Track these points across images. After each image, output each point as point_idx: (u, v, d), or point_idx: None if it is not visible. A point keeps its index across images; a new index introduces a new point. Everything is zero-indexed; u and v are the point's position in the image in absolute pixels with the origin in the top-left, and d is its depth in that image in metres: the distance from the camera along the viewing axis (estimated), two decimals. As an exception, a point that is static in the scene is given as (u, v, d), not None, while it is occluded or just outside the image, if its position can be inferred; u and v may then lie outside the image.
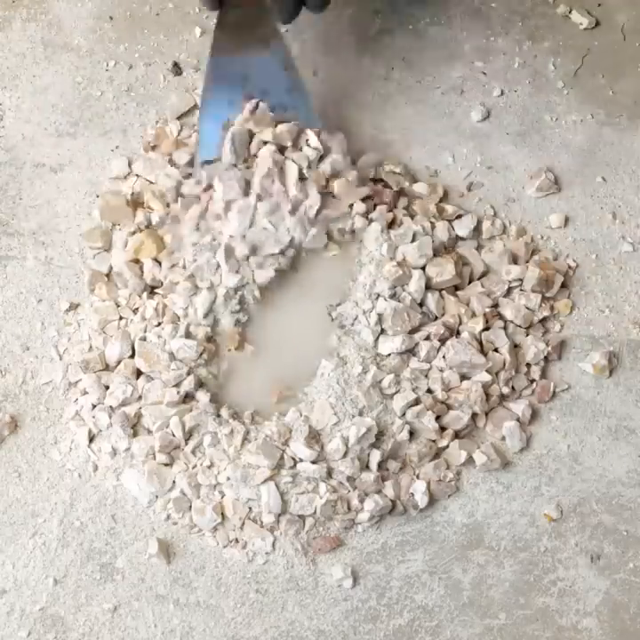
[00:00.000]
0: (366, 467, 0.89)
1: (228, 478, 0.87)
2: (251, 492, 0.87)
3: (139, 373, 0.90)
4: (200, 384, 0.90)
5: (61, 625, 0.85)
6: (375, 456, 0.88)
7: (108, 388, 0.89)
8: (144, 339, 0.89)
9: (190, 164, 0.93)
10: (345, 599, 0.88)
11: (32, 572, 0.86)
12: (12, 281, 0.93)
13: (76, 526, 0.88)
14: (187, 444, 0.88)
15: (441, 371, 0.91)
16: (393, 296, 0.91)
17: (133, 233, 0.93)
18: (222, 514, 0.87)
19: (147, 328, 0.90)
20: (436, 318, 0.93)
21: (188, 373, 0.89)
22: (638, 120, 1.02)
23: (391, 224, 0.94)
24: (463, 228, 0.96)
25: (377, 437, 0.88)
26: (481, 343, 0.92)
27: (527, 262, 0.96)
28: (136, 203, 0.94)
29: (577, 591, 0.89)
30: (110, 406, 0.88)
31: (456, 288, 0.94)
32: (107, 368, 0.90)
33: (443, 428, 0.91)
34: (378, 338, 0.91)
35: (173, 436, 0.88)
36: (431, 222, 0.95)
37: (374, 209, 0.94)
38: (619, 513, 0.91)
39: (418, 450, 0.90)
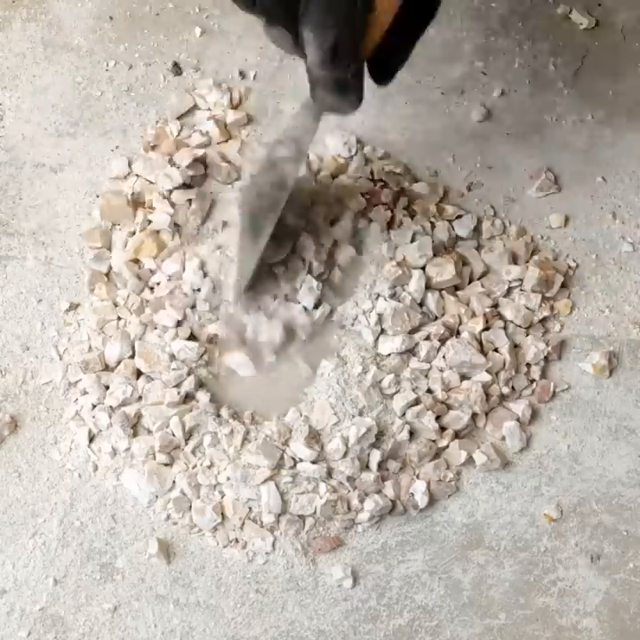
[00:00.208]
0: (366, 467, 0.89)
1: (228, 478, 0.87)
2: (251, 492, 0.87)
3: (139, 374, 0.90)
4: (200, 384, 0.90)
5: (61, 625, 0.85)
6: (375, 456, 0.88)
7: (108, 388, 0.89)
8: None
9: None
10: (345, 599, 0.88)
11: (32, 571, 0.86)
12: (11, 281, 0.93)
13: (76, 526, 0.88)
14: (187, 443, 0.88)
15: (441, 371, 0.91)
16: (393, 296, 0.92)
17: (133, 233, 0.93)
18: (222, 514, 0.87)
19: (146, 329, 0.90)
20: (436, 318, 0.93)
21: (189, 374, 0.89)
22: (638, 120, 1.02)
23: (391, 224, 0.94)
24: (463, 227, 0.96)
25: (377, 437, 0.88)
26: (481, 343, 0.92)
27: (527, 262, 0.96)
28: (136, 203, 0.94)
29: (577, 591, 0.89)
30: (110, 406, 0.88)
31: (456, 288, 0.94)
32: (106, 368, 0.90)
33: (443, 428, 0.91)
34: (378, 338, 0.91)
35: (173, 435, 0.88)
36: (431, 222, 0.95)
37: (372, 209, 0.94)
38: (619, 513, 0.91)
39: (418, 450, 0.90)
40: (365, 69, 0.78)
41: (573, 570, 0.89)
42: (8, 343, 0.92)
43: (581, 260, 0.98)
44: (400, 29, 0.75)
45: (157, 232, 0.93)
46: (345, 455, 0.88)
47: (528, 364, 0.94)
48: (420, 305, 0.92)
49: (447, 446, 0.91)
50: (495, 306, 0.94)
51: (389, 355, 0.91)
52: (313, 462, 0.87)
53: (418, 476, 0.90)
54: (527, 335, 0.94)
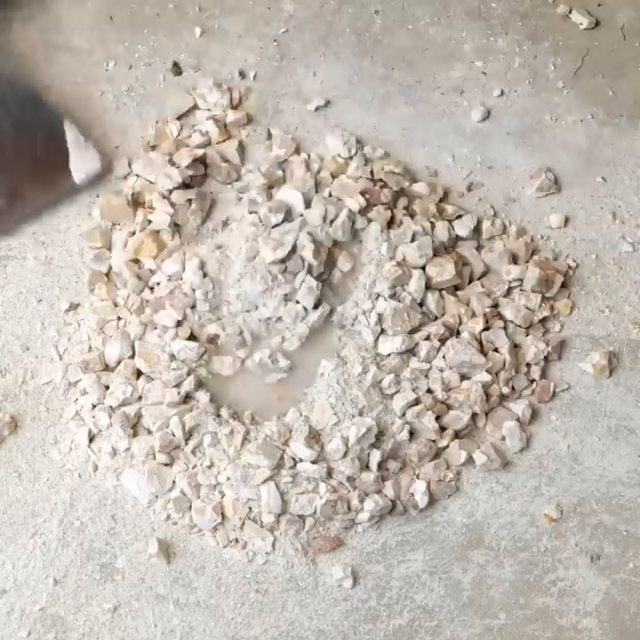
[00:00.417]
0: (366, 467, 0.89)
1: (228, 478, 0.87)
2: (251, 492, 0.87)
3: (139, 373, 0.90)
4: (200, 384, 0.90)
5: (61, 625, 0.85)
6: (375, 456, 0.88)
7: (107, 388, 0.89)
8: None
9: None
10: (345, 599, 0.88)
11: (32, 571, 0.86)
12: (12, 281, 0.93)
13: (76, 526, 0.88)
14: (186, 443, 0.88)
15: (441, 371, 0.91)
16: (393, 296, 0.92)
17: (133, 233, 0.93)
18: (222, 514, 0.87)
19: (146, 329, 0.90)
20: (436, 318, 0.93)
21: (189, 374, 0.89)
22: (638, 120, 1.02)
23: (391, 224, 0.94)
24: (463, 227, 0.96)
25: (377, 437, 0.88)
26: (481, 343, 0.92)
27: (527, 262, 0.96)
28: (136, 203, 0.94)
29: (577, 591, 0.89)
30: (110, 406, 0.88)
31: (456, 288, 0.94)
32: (106, 368, 0.90)
33: (443, 428, 0.91)
34: (378, 338, 0.91)
35: (173, 435, 0.88)
36: (431, 222, 0.95)
37: (372, 209, 0.94)
38: (619, 513, 0.91)
39: (418, 450, 0.90)
40: None
41: (573, 570, 0.89)
42: (8, 343, 0.92)
43: (581, 260, 0.98)
44: None
45: (157, 232, 0.93)
46: (345, 455, 0.88)
47: (528, 364, 0.94)
48: (420, 305, 0.92)
49: (447, 446, 0.91)
50: (495, 306, 0.94)
51: (389, 355, 0.91)
52: (313, 462, 0.87)
53: (418, 476, 0.90)
54: (527, 335, 0.94)
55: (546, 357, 0.94)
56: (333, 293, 0.92)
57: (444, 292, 0.93)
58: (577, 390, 0.94)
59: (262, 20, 1.02)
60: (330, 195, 0.94)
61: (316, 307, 0.91)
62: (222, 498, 0.88)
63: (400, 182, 0.96)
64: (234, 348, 0.91)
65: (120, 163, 0.96)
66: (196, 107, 0.99)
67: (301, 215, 0.93)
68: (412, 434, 0.90)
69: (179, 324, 0.90)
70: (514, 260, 0.96)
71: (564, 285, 0.96)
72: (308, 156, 0.97)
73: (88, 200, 0.96)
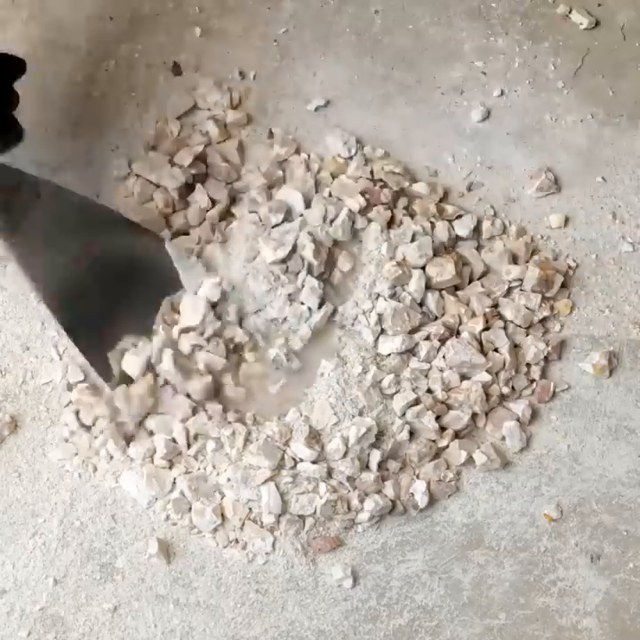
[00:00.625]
0: (366, 467, 0.89)
1: (229, 479, 0.87)
2: (251, 493, 0.87)
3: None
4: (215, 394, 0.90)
5: (61, 625, 0.85)
6: (375, 456, 0.88)
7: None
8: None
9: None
10: (345, 599, 0.88)
11: (32, 571, 0.86)
12: (12, 281, 0.93)
13: (76, 526, 0.87)
14: (189, 448, 0.88)
15: (441, 371, 0.91)
16: (393, 296, 0.92)
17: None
18: (222, 514, 0.87)
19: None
20: (436, 318, 0.93)
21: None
22: (638, 120, 1.02)
23: (391, 224, 0.94)
24: (463, 227, 0.96)
25: (377, 437, 0.88)
26: (481, 343, 0.92)
27: (527, 262, 0.96)
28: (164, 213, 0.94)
29: (577, 591, 0.89)
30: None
31: (456, 288, 0.94)
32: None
33: (443, 428, 0.91)
34: (378, 338, 0.91)
35: (175, 442, 0.88)
36: (431, 222, 0.95)
37: (372, 209, 0.94)
38: (619, 513, 0.91)
39: (418, 450, 0.90)
40: None
41: (573, 570, 0.89)
42: (8, 343, 0.92)
43: (581, 260, 0.98)
44: None
45: None
46: (345, 455, 0.88)
47: (528, 364, 0.94)
48: (420, 305, 0.92)
49: (447, 446, 0.91)
50: (495, 306, 0.94)
51: (389, 355, 0.91)
52: (313, 462, 0.87)
53: (418, 476, 0.90)
54: (527, 335, 0.94)
55: (546, 357, 0.94)
56: (334, 293, 0.92)
57: (443, 291, 0.93)
58: (577, 390, 0.94)
59: (262, 20, 1.02)
60: (330, 195, 0.94)
61: (319, 307, 0.91)
62: (222, 499, 0.87)
63: (400, 182, 0.96)
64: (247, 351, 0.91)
65: (120, 163, 0.96)
66: (196, 107, 0.99)
67: (301, 215, 0.93)
68: (412, 434, 0.90)
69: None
70: (514, 260, 0.96)
71: (564, 285, 0.96)
72: (308, 155, 0.97)
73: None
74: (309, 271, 0.91)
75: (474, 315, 0.93)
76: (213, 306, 0.90)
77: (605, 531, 0.90)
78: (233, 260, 0.92)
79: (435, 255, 0.93)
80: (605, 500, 0.91)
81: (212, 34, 1.01)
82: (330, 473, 0.88)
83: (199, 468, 0.88)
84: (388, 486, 0.88)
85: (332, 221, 0.93)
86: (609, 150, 1.01)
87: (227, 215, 0.95)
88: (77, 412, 0.88)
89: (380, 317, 0.91)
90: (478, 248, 0.96)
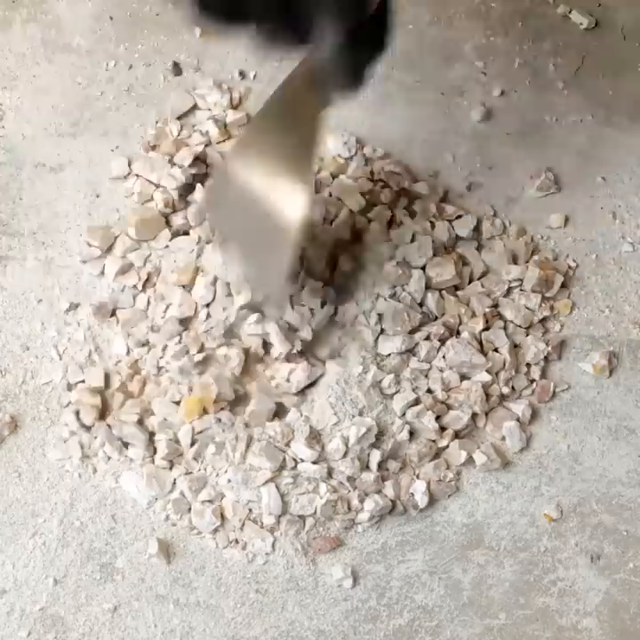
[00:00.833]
0: (366, 467, 0.89)
1: (229, 480, 0.87)
2: (251, 493, 0.87)
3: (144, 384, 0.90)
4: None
5: (61, 625, 0.85)
6: (375, 456, 0.88)
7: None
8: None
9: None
10: (345, 599, 0.88)
11: (32, 571, 0.86)
12: (12, 281, 0.93)
13: (76, 526, 0.87)
14: (191, 446, 0.88)
15: (441, 371, 0.91)
16: (393, 296, 0.92)
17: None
18: (222, 515, 0.87)
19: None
20: (436, 318, 0.93)
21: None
22: (638, 120, 1.02)
23: (391, 224, 0.94)
24: (463, 228, 0.96)
25: (377, 437, 0.88)
26: (481, 343, 0.92)
27: (527, 262, 0.96)
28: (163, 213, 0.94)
29: (577, 591, 0.89)
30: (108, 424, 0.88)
31: (456, 288, 0.94)
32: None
33: (443, 428, 0.91)
34: (378, 338, 0.91)
35: (178, 444, 0.88)
36: (431, 222, 0.95)
37: (372, 209, 0.94)
38: (619, 513, 0.91)
39: (418, 450, 0.90)
40: None
41: (573, 570, 0.89)
42: (8, 343, 0.92)
43: (581, 260, 0.98)
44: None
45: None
46: (345, 455, 0.88)
47: (528, 364, 0.94)
48: (420, 305, 0.92)
49: (447, 446, 0.91)
50: (495, 306, 0.94)
51: (389, 355, 0.91)
52: (313, 463, 0.87)
53: (418, 476, 0.90)
54: (527, 335, 0.94)
55: (546, 357, 0.94)
56: (335, 294, 0.92)
57: (443, 291, 0.93)
58: (577, 390, 0.94)
59: (262, 20, 1.02)
60: (330, 195, 0.94)
61: (320, 307, 0.91)
62: (222, 500, 0.87)
63: (400, 182, 0.96)
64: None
65: (120, 163, 0.96)
66: (196, 107, 0.99)
67: (301, 215, 0.93)
68: (412, 434, 0.90)
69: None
70: (514, 260, 0.96)
71: (564, 285, 0.96)
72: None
73: (88, 200, 0.96)
74: (309, 272, 0.91)
75: (474, 315, 0.93)
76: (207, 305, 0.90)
77: (605, 531, 0.90)
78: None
79: (435, 255, 0.93)
80: (605, 500, 0.91)
81: (212, 34, 1.01)
82: (330, 473, 0.88)
83: (199, 469, 0.88)
84: (387, 486, 0.88)
85: (332, 221, 0.93)
86: (609, 150, 1.01)
87: (227, 215, 0.94)
88: (77, 412, 0.88)
89: (380, 317, 0.91)
90: (478, 248, 0.96)
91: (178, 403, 0.88)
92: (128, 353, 0.90)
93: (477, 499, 0.91)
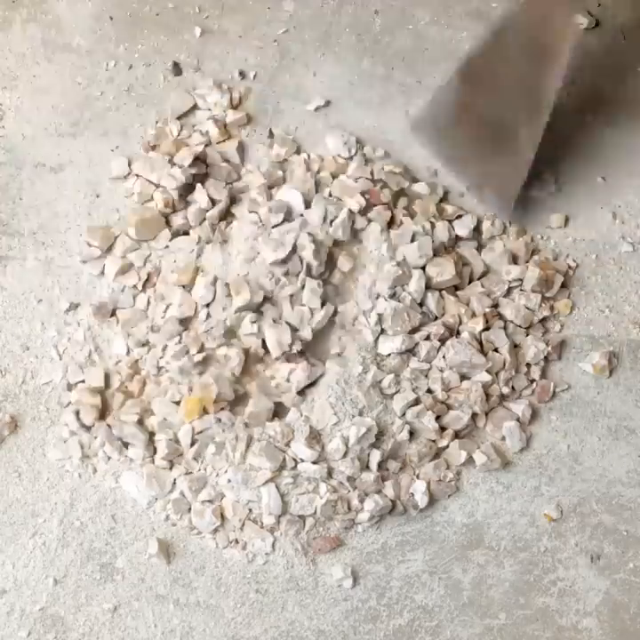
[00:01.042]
0: (366, 467, 0.89)
1: (229, 480, 0.87)
2: (251, 493, 0.86)
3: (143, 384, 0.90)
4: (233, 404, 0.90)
5: (61, 625, 0.85)
6: (375, 456, 0.88)
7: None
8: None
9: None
10: (345, 599, 0.88)
11: (32, 572, 0.86)
12: (12, 281, 0.93)
13: (76, 526, 0.87)
14: (191, 446, 0.88)
15: (441, 371, 0.91)
16: (393, 296, 0.91)
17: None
18: (222, 515, 0.87)
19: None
20: (436, 318, 0.93)
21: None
22: (638, 120, 1.02)
23: (391, 224, 0.94)
24: (463, 227, 0.96)
25: (377, 437, 0.88)
26: (481, 343, 0.92)
27: (527, 262, 0.96)
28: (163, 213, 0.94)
29: (577, 591, 0.89)
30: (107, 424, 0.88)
31: (456, 288, 0.94)
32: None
33: (443, 428, 0.91)
34: (378, 338, 0.91)
35: (178, 444, 0.88)
36: (431, 222, 0.95)
37: (372, 209, 0.94)
38: (619, 513, 0.91)
39: (418, 450, 0.90)
40: None
41: (573, 570, 0.89)
42: (8, 343, 0.92)
43: (581, 260, 0.98)
44: None
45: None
46: (345, 455, 0.88)
47: (528, 364, 0.94)
48: (420, 305, 0.92)
49: (447, 446, 0.91)
50: (495, 306, 0.94)
51: (389, 355, 0.91)
52: (313, 462, 0.87)
53: (418, 476, 0.90)
54: (527, 335, 0.94)
55: (546, 357, 0.94)
56: (335, 294, 0.92)
57: (443, 291, 0.93)
58: (577, 390, 0.94)
59: (262, 20, 1.02)
60: (330, 195, 0.94)
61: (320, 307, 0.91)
62: (222, 500, 0.87)
63: (400, 182, 0.96)
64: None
65: (120, 163, 0.96)
66: (196, 107, 0.99)
67: (301, 215, 0.93)
68: (412, 434, 0.90)
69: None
70: (514, 259, 0.96)
71: (564, 285, 0.96)
72: (308, 155, 0.97)
73: (88, 200, 0.96)
74: (309, 272, 0.91)
75: (474, 315, 0.93)
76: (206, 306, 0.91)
77: (605, 531, 0.90)
78: (233, 261, 0.92)
79: (435, 255, 0.93)
80: (605, 500, 0.91)
81: (211, 34, 1.01)
82: (330, 473, 0.88)
83: (199, 469, 0.88)
84: (387, 486, 0.88)
85: (332, 221, 0.93)
86: (609, 150, 1.01)
87: (227, 215, 0.95)
88: (77, 412, 0.88)
89: (381, 317, 0.91)
90: (478, 248, 0.96)
91: (178, 403, 0.88)
92: (128, 353, 0.90)
93: (477, 499, 0.91)
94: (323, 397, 0.89)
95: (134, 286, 0.92)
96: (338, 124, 0.99)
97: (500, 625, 0.88)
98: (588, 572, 0.89)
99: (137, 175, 0.96)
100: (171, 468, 0.88)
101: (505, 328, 0.94)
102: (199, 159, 0.95)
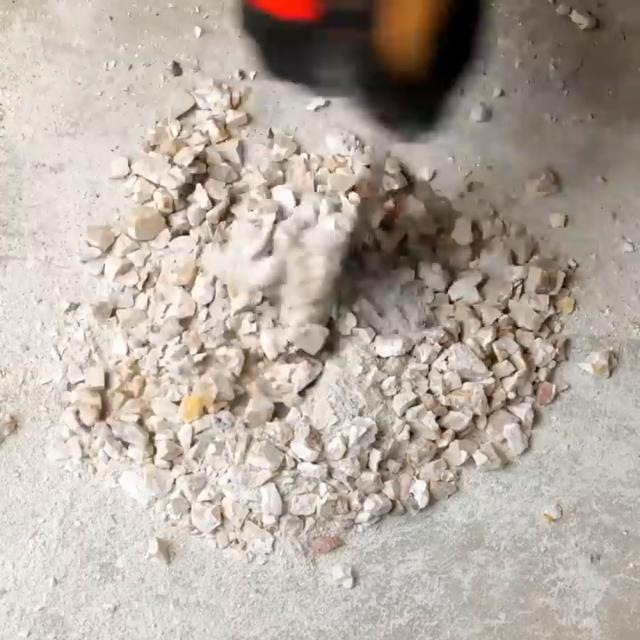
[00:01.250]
0: (366, 467, 0.89)
1: (229, 480, 0.87)
2: (251, 494, 0.86)
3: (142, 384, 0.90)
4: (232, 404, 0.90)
5: (61, 625, 0.85)
6: (375, 456, 0.88)
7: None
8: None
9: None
10: (345, 599, 0.88)
11: (32, 571, 0.86)
12: (12, 281, 0.93)
13: (76, 526, 0.87)
14: (191, 446, 0.88)
15: (441, 373, 0.91)
16: (394, 297, 0.91)
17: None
18: (222, 515, 0.87)
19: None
20: (437, 322, 0.92)
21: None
22: (638, 120, 1.02)
23: (391, 225, 0.94)
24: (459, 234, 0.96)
25: (377, 437, 0.88)
26: (492, 352, 0.91)
27: (527, 262, 0.96)
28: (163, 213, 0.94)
29: (577, 591, 0.89)
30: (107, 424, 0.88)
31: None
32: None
33: (443, 429, 0.91)
34: (376, 340, 0.91)
35: (178, 444, 0.88)
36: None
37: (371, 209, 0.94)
38: (619, 513, 0.91)
39: (418, 450, 0.90)
40: None
41: (573, 570, 0.89)
42: (8, 343, 0.92)
43: (581, 260, 0.98)
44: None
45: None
46: (345, 455, 0.88)
47: (537, 368, 0.93)
48: (422, 307, 0.92)
49: (447, 446, 0.91)
50: (505, 311, 0.93)
51: (389, 357, 0.90)
52: (313, 463, 0.87)
53: (418, 476, 0.90)
54: (535, 338, 0.94)
55: (554, 359, 0.93)
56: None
57: (444, 294, 0.93)
58: (577, 390, 0.94)
59: (262, 20, 1.02)
60: (324, 192, 0.94)
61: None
62: (222, 500, 0.87)
63: (400, 182, 0.96)
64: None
65: (120, 163, 0.96)
66: (196, 107, 0.99)
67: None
68: (412, 434, 0.90)
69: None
70: (514, 260, 0.96)
71: (564, 285, 0.96)
72: (308, 155, 0.97)
73: (88, 200, 0.96)
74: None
75: (482, 325, 0.92)
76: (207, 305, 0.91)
77: (605, 531, 0.90)
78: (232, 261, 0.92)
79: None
80: (605, 500, 0.91)
81: (212, 34, 1.01)
82: (330, 473, 0.88)
83: (199, 469, 0.88)
84: (387, 486, 0.88)
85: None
86: (609, 150, 1.01)
87: (227, 215, 0.95)
88: (77, 412, 0.88)
89: (380, 318, 0.91)
90: (479, 248, 0.96)
91: (178, 403, 0.88)
92: (128, 353, 0.90)
93: (477, 499, 0.91)
94: (323, 397, 0.89)
95: (134, 286, 0.92)
96: (338, 123, 0.99)
97: (500, 625, 0.88)
98: (587, 571, 0.89)
99: (137, 175, 0.96)
100: (171, 468, 0.88)
101: (513, 332, 0.93)
102: (199, 159, 0.95)
